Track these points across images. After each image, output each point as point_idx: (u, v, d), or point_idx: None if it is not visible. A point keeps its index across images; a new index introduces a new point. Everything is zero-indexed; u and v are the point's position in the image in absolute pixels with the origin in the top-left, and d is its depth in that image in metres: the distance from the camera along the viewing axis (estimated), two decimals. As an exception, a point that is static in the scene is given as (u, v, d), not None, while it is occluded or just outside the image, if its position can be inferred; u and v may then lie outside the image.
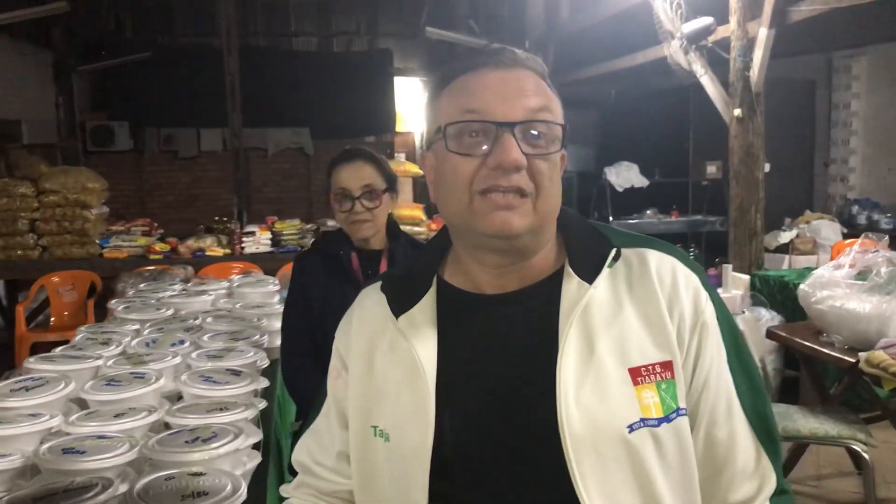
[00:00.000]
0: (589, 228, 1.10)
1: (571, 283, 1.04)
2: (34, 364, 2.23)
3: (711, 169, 8.89)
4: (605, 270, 1.04)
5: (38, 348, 5.19)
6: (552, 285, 1.05)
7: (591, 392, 0.98)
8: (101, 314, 5.22)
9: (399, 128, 14.00)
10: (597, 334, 1.01)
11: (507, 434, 1.01)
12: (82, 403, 2.04)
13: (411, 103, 13.53)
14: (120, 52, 12.28)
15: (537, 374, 1.00)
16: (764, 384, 1.10)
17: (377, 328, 1.13)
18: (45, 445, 1.69)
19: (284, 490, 1.28)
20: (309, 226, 7.09)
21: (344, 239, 2.43)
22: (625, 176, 9.40)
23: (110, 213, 7.24)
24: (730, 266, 5.74)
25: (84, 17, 11.91)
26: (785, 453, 3.64)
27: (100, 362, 2.30)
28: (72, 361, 2.26)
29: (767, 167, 6.15)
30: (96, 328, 2.78)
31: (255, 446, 1.86)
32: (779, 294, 5.37)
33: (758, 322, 4.91)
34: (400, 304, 1.10)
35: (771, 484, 1.05)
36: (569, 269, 1.05)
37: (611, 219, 9.12)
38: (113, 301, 3.31)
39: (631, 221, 9.20)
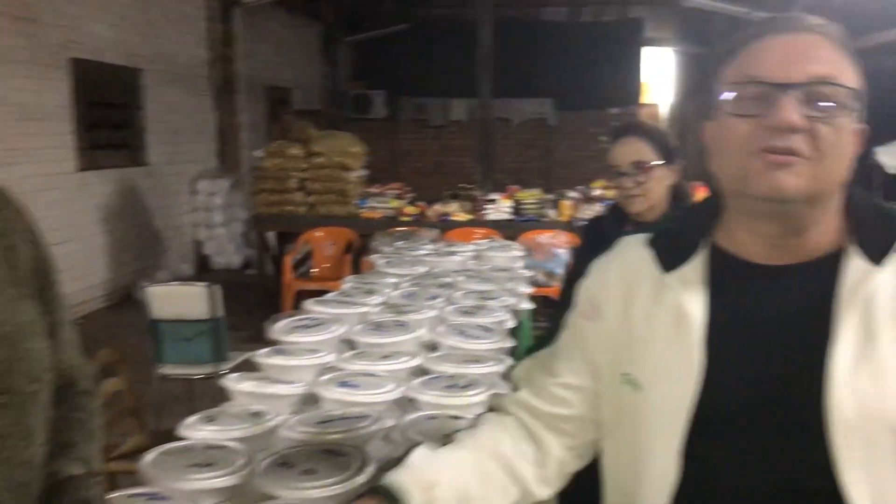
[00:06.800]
0: (879, 208, 1.03)
1: (854, 265, 0.98)
2: (312, 306, 2.49)
3: None
4: (895, 255, 0.98)
5: (302, 295, 5.72)
6: (831, 264, 1.00)
7: (867, 379, 0.94)
8: (356, 269, 5.65)
9: (644, 99, 13.61)
10: (879, 323, 0.95)
11: (769, 410, 0.98)
12: (350, 345, 2.25)
13: (661, 74, 13.03)
14: (380, 24, 13.03)
15: (807, 356, 0.97)
16: None
17: (638, 280, 1.10)
18: (324, 377, 1.90)
19: (494, 401, 1.27)
20: (549, 196, 7.16)
21: (623, 211, 2.40)
22: (899, 157, 8.56)
23: (366, 177, 7.76)
24: None
25: (350, -9, 12.72)
26: None
27: (365, 309, 2.51)
28: (343, 306, 2.50)
29: None
30: (361, 279, 3.03)
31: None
32: None
33: None
34: (670, 260, 1.08)
35: None
36: (855, 249, 0.99)
37: (879, 204, 8.37)
38: (374, 255, 3.59)
39: (902, 207, 8.39)
